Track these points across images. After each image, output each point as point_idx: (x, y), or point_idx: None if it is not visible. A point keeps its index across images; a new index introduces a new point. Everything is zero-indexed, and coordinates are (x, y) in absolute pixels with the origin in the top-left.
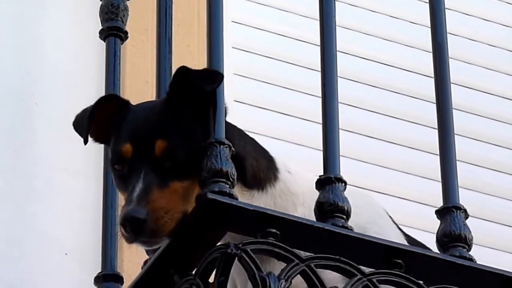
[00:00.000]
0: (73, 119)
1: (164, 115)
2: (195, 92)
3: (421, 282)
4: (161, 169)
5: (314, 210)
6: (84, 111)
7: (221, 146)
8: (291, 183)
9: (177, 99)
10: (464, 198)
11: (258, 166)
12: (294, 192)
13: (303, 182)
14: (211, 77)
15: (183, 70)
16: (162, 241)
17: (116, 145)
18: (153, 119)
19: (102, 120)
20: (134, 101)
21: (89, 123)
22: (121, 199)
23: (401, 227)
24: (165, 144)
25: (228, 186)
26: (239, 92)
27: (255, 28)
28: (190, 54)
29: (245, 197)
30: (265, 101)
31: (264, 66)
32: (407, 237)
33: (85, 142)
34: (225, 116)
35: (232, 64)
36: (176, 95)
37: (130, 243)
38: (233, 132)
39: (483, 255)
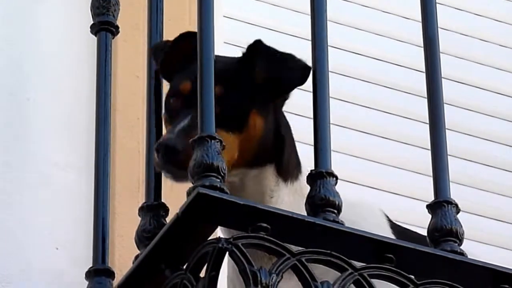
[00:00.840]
0: (153, 45)
1: (230, 68)
2: (270, 70)
3: (412, 276)
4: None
5: (305, 205)
6: (166, 42)
7: (212, 141)
8: (307, 187)
9: (249, 63)
10: (455, 193)
11: (291, 160)
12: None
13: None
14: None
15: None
16: (187, 178)
17: (177, 80)
18: (219, 67)
19: (175, 55)
20: (124, 96)
21: (165, 56)
22: (113, 193)
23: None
24: (221, 91)
25: (219, 180)
26: None
27: (247, 23)
28: None
29: (272, 182)
30: None
31: None
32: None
33: (160, 72)
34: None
35: None
36: (251, 60)
37: (159, 170)
38: (284, 119)
39: (475, 249)
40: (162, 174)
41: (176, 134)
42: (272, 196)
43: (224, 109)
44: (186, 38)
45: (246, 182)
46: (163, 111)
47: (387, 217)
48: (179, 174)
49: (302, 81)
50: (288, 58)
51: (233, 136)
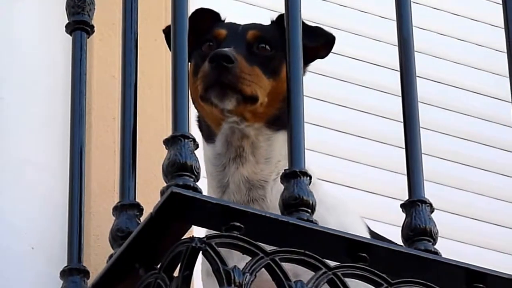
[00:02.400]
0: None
1: (268, 29)
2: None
3: (386, 275)
4: (250, 49)
5: (279, 204)
6: None
7: (186, 140)
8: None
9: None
10: (430, 192)
11: None
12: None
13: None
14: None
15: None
16: (234, 98)
17: (209, 31)
18: (260, 26)
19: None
20: (100, 96)
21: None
22: (88, 193)
23: (366, 220)
24: (258, 33)
25: (192, 179)
26: None
27: None
28: (157, 48)
29: (283, 148)
30: None
31: None
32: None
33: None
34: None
35: None
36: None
37: (209, 84)
38: None
39: (449, 248)
40: (208, 95)
41: (227, 50)
42: (280, 160)
43: (262, 48)
44: (198, 15)
45: (260, 140)
46: (192, 61)
47: (367, 226)
48: (228, 92)
49: (326, 52)
50: (316, 29)
51: (268, 81)
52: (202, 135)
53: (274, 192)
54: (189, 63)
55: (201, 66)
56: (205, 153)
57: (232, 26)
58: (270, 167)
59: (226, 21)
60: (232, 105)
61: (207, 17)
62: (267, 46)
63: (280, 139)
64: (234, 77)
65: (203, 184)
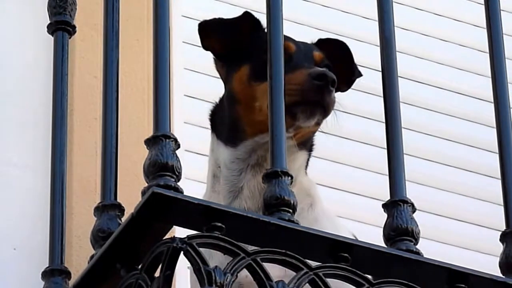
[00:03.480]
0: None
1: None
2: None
3: (368, 276)
4: None
5: (245, 195)
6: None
7: (167, 140)
8: (309, 186)
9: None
10: (412, 192)
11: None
12: (312, 195)
13: (316, 188)
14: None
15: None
16: (317, 118)
17: (254, 38)
18: (307, 43)
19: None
20: (82, 96)
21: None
22: (70, 193)
23: (348, 221)
24: (322, 56)
25: (173, 179)
26: (189, 86)
27: None
28: (139, 49)
29: (302, 168)
30: (216, 96)
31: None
32: None
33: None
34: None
35: (182, 58)
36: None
37: (305, 100)
38: None
39: (431, 248)
40: (295, 109)
41: (331, 73)
42: (297, 175)
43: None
44: (247, 18)
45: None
46: (248, 65)
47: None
48: (317, 113)
49: (347, 88)
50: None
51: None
52: (218, 136)
53: None
54: (240, 67)
55: (262, 73)
56: (218, 155)
57: (293, 41)
58: None
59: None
60: (312, 124)
61: (248, 22)
62: (330, 67)
63: (302, 158)
64: (330, 101)
65: (185, 185)
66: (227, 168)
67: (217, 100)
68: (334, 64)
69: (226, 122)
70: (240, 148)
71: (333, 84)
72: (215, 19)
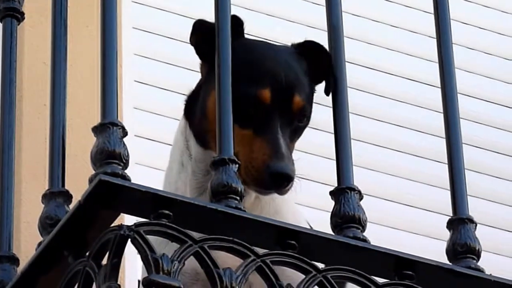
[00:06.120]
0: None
1: (298, 67)
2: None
3: (315, 263)
4: (292, 125)
5: (208, 192)
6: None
7: (114, 128)
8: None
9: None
10: (358, 177)
11: None
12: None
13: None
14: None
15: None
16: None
17: (251, 88)
18: (293, 68)
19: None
20: (31, 83)
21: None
22: (19, 180)
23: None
24: (303, 104)
25: (121, 167)
26: (140, 73)
27: (156, 8)
28: (89, 35)
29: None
30: (166, 82)
31: (165, 47)
32: None
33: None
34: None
35: (133, 44)
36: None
37: (265, 192)
38: None
39: (379, 233)
40: (252, 183)
41: (287, 160)
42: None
43: (302, 123)
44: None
45: None
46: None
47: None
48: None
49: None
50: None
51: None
52: (191, 126)
53: (254, 202)
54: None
55: (246, 122)
56: (190, 144)
57: (278, 84)
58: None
59: (255, 51)
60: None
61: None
62: (305, 119)
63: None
64: (286, 190)
65: (134, 170)
66: (196, 163)
67: (195, 87)
68: (314, 67)
69: (197, 122)
70: (208, 153)
71: (289, 180)
72: (208, 22)
